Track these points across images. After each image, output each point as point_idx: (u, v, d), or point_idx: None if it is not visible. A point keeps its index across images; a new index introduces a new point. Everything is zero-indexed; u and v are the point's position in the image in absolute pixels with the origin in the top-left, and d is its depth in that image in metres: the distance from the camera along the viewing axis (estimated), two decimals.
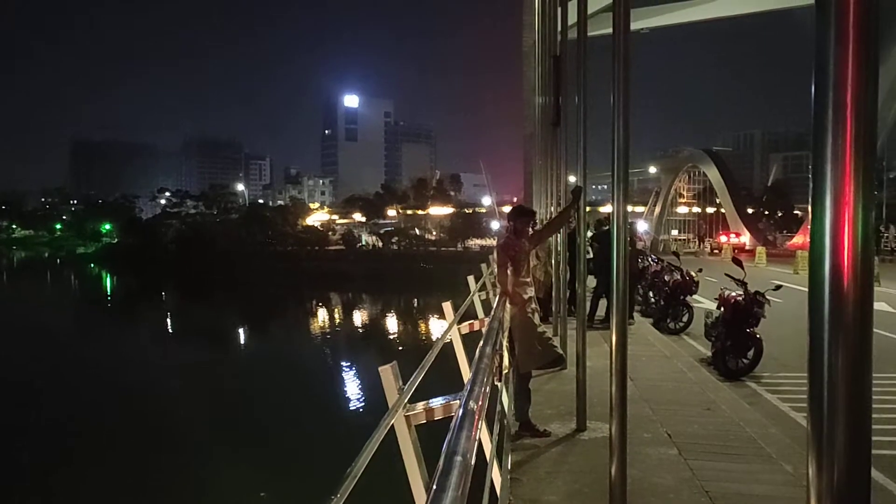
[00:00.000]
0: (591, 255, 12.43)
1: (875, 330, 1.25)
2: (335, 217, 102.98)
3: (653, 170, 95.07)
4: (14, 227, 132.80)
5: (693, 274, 14.17)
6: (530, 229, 6.53)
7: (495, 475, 3.84)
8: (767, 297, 10.41)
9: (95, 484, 13.74)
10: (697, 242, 68.83)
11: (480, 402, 2.40)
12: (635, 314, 13.73)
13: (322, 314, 46.90)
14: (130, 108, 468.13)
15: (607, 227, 12.10)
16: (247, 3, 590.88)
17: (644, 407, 6.88)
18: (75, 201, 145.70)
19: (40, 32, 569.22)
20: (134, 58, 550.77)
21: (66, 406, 19.73)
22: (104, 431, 17.06)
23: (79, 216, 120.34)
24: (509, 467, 5.06)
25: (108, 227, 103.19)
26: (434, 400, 2.75)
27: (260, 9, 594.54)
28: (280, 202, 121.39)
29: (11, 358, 27.18)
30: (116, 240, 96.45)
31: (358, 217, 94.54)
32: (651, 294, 15.26)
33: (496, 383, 4.60)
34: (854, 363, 1.20)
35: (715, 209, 74.88)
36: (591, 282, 12.20)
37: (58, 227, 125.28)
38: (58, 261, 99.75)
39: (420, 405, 2.71)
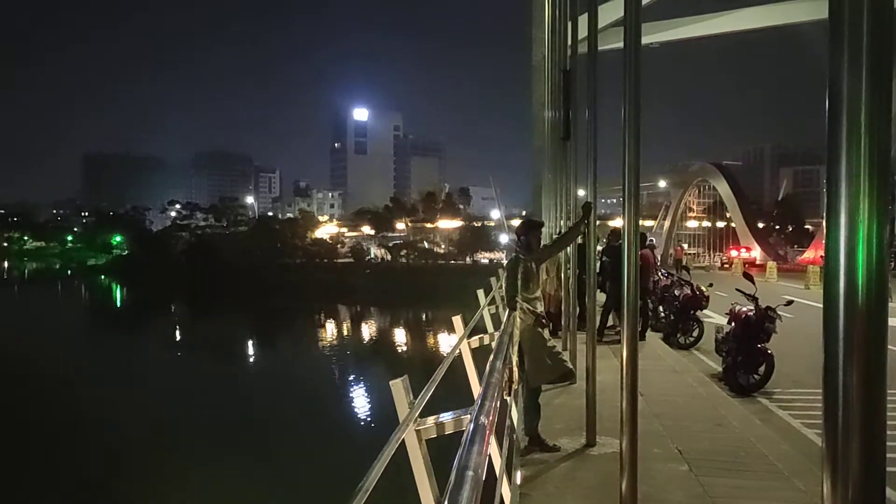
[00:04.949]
0: (599, 270, 12.38)
1: (889, 346, 1.24)
2: (344, 230, 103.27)
3: (662, 184, 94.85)
4: (26, 238, 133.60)
5: (703, 288, 14.09)
6: (539, 241, 6.54)
7: (505, 490, 3.82)
8: (779, 313, 10.34)
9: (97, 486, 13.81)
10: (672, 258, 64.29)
11: (491, 417, 2.40)
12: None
13: (330, 326, 46.93)
14: (141, 121, 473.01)
15: (618, 242, 12.07)
16: (256, 16, 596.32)
17: (654, 422, 6.83)
18: (86, 213, 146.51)
19: (51, 46, 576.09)
20: (145, 71, 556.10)
21: (73, 415, 19.81)
22: (108, 445, 17.11)
23: (90, 228, 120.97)
24: (519, 482, 5.03)
25: (118, 238, 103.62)
26: (444, 414, 2.74)
27: (270, 23, 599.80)
28: (289, 215, 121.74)
29: (17, 368, 27.31)
30: (127, 252, 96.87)
31: (367, 230, 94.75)
32: (661, 309, 15.18)
33: (506, 398, 4.58)
34: (869, 380, 1.20)
35: (725, 223, 74.58)
36: (600, 296, 12.14)
37: (69, 238, 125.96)
38: (68, 272, 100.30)
39: (431, 419, 2.70)
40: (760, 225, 74.63)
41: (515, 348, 5.55)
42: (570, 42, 10.53)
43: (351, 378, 27.89)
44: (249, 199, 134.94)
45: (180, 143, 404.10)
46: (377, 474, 1.91)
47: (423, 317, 48.99)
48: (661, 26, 29.15)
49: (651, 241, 16.85)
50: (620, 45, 3.88)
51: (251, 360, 35.28)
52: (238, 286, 66.40)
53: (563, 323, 10.50)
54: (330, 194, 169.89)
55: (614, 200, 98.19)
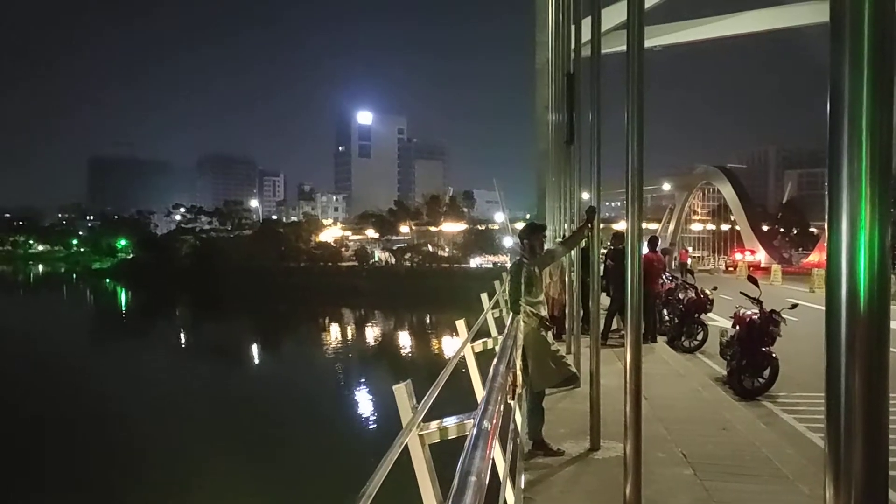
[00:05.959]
0: (603, 273, 12.36)
1: (892, 350, 1.24)
2: (348, 233, 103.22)
3: (667, 186, 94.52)
4: (32, 242, 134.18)
5: (708, 292, 14.06)
6: (542, 245, 6.55)
7: (509, 494, 3.82)
8: (783, 316, 10.31)
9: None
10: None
11: (494, 421, 2.39)
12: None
13: (334, 330, 46.93)
14: (146, 125, 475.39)
15: (621, 246, 12.04)
16: (261, 20, 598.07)
17: (658, 426, 6.82)
18: (91, 217, 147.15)
19: (57, 50, 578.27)
20: (149, 75, 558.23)
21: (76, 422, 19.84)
22: (110, 447, 17.12)
23: (95, 232, 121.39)
24: (522, 487, 5.02)
25: (123, 242, 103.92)
26: (448, 419, 2.74)
27: (274, 26, 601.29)
28: (293, 218, 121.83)
29: (22, 370, 27.39)
30: (132, 255, 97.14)
31: (371, 233, 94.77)
32: (665, 312, 15.15)
33: (509, 402, 4.58)
34: (871, 383, 1.20)
35: (730, 226, 74.40)
36: (604, 300, 12.12)
37: (74, 242, 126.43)
38: (74, 276, 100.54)
39: (434, 424, 2.70)
40: (765, 228, 74.42)
41: (519, 352, 5.55)
42: (573, 45, 10.52)
43: (355, 382, 27.89)
44: (254, 203, 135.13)
45: (185, 146, 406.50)
46: (380, 479, 1.91)
47: (427, 320, 48.97)
48: (664, 29, 29.18)
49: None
50: (624, 48, 3.88)
51: (256, 363, 35.29)
52: (242, 289, 66.50)
53: (566, 326, 10.49)
54: (334, 198, 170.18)
55: (618, 204, 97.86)
